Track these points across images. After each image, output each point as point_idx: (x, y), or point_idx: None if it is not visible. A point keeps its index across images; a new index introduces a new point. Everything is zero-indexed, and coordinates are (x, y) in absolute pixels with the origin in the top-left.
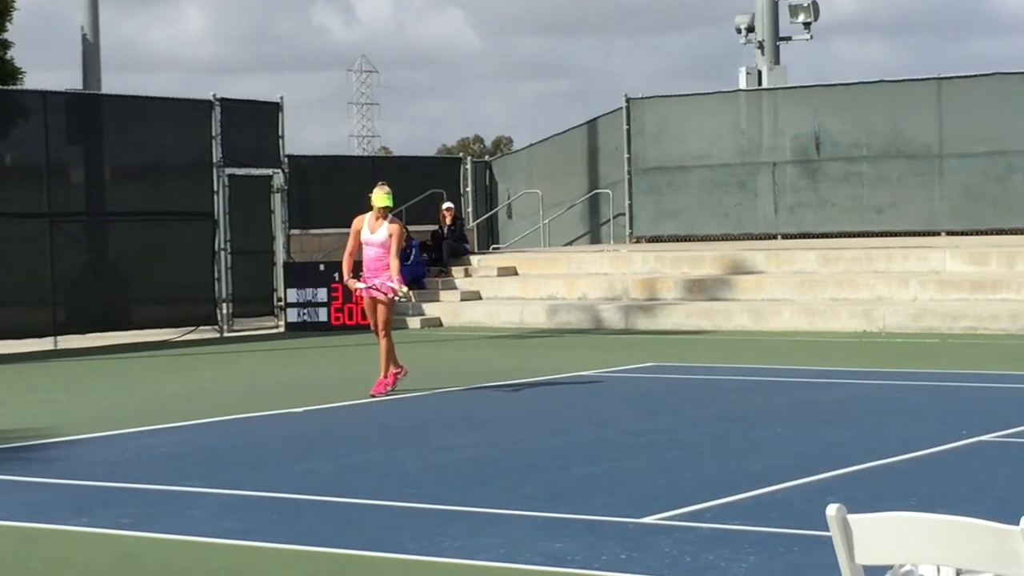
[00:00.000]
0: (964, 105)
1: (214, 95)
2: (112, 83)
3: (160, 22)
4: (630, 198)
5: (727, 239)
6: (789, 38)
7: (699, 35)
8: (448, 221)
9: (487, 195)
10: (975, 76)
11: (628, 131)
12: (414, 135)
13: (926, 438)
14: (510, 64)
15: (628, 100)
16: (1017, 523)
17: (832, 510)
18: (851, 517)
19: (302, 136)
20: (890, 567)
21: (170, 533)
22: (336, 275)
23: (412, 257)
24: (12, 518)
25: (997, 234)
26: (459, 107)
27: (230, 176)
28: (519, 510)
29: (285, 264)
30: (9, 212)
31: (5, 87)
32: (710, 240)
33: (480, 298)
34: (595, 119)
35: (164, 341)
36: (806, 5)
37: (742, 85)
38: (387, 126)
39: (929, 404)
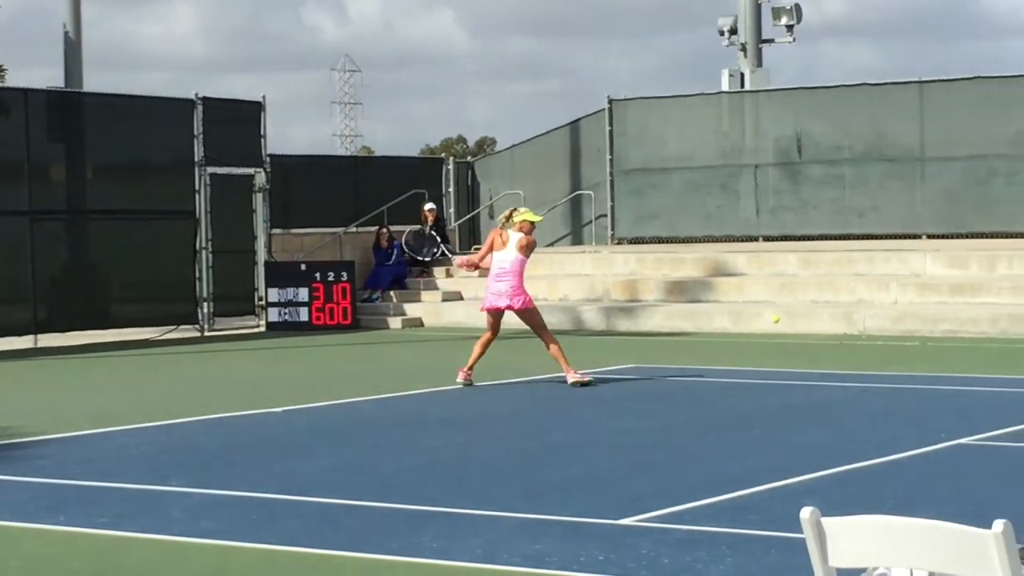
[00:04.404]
0: (946, 108)
1: (196, 94)
2: (102, 81)
3: (151, 20)
4: (612, 199)
5: (708, 241)
6: (772, 40)
7: (685, 37)
8: (430, 221)
9: (469, 195)
10: (957, 80)
11: (610, 132)
12: (398, 135)
13: (905, 441)
14: (497, 64)
15: (611, 101)
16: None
17: (806, 513)
18: (824, 520)
19: (289, 135)
20: (863, 570)
21: (148, 532)
22: (317, 274)
23: (394, 257)
24: None
25: (978, 238)
26: (445, 107)
27: (212, 175)
28: (498, 511)
29: (266, 263)
30: None
31: None
32: (691, 242)
33: (461, 298)
34: (577, 120)
35: (145, 340)
36: (789, 8)
37: (725, 87)
38: (371, 126)
39: (908, 407)
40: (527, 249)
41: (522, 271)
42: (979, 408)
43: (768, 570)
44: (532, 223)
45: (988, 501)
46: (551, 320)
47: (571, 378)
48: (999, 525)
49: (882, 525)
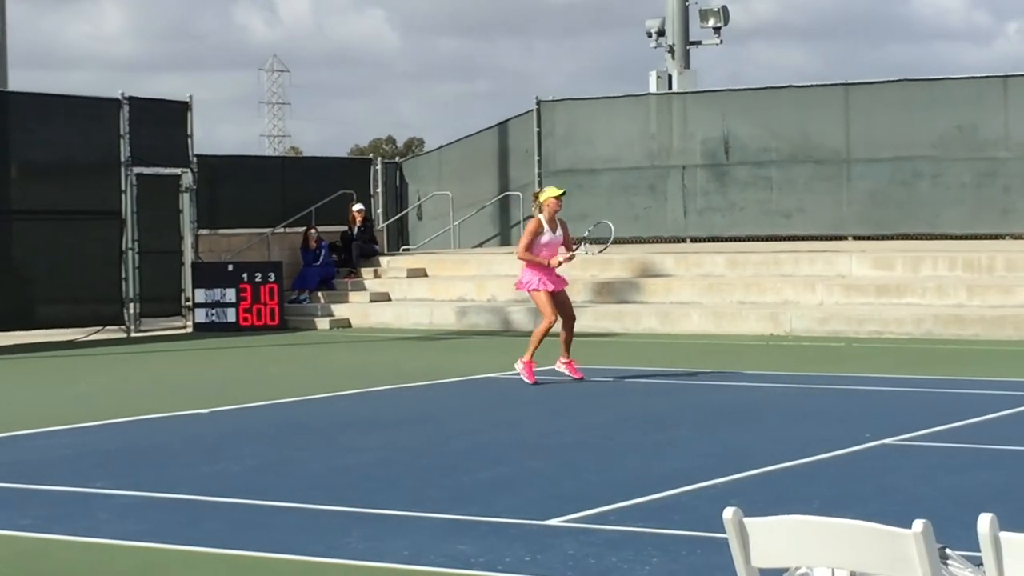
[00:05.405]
0: (871, 111)
1: (122, 93)
2: (28, 80)
3: (79, 19)
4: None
5: (636, 242)
6: (699, 42)
7: (613, 39)
8: (358, 222)
9: (397, 196)
10: (882, 82)
11: (539, 133)
12: (327, 135)
13: (830, 441)
14: (428, 65)
15: (539, 102)
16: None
17: (728, 513)
18: (747, 520)
19: (217, 135)
20: (786, 570)
21: (74, 535)
22: (245, 274)
23: (322, 258)
24: None
25: (903, 239)
26: (375, 107)
27: (138, 175)
28: (424, 512)
29: (193, 264)
30: None
31: None
32: (619, 243)
33: (389, 299)
34: (506, 121)
35: (70, 341)
36: (716, 10)
37: (652, 89)
38: (300, 126)
39: (833, 407)
40: (527, 234)
41: (531, 257)
42: (904, 408)
43: (693, 570)
44: (556, 198)
45: (911, 501)
46: (478, 321)
47: (519, 367)
48: (919, 525)
49: (804, 525)
